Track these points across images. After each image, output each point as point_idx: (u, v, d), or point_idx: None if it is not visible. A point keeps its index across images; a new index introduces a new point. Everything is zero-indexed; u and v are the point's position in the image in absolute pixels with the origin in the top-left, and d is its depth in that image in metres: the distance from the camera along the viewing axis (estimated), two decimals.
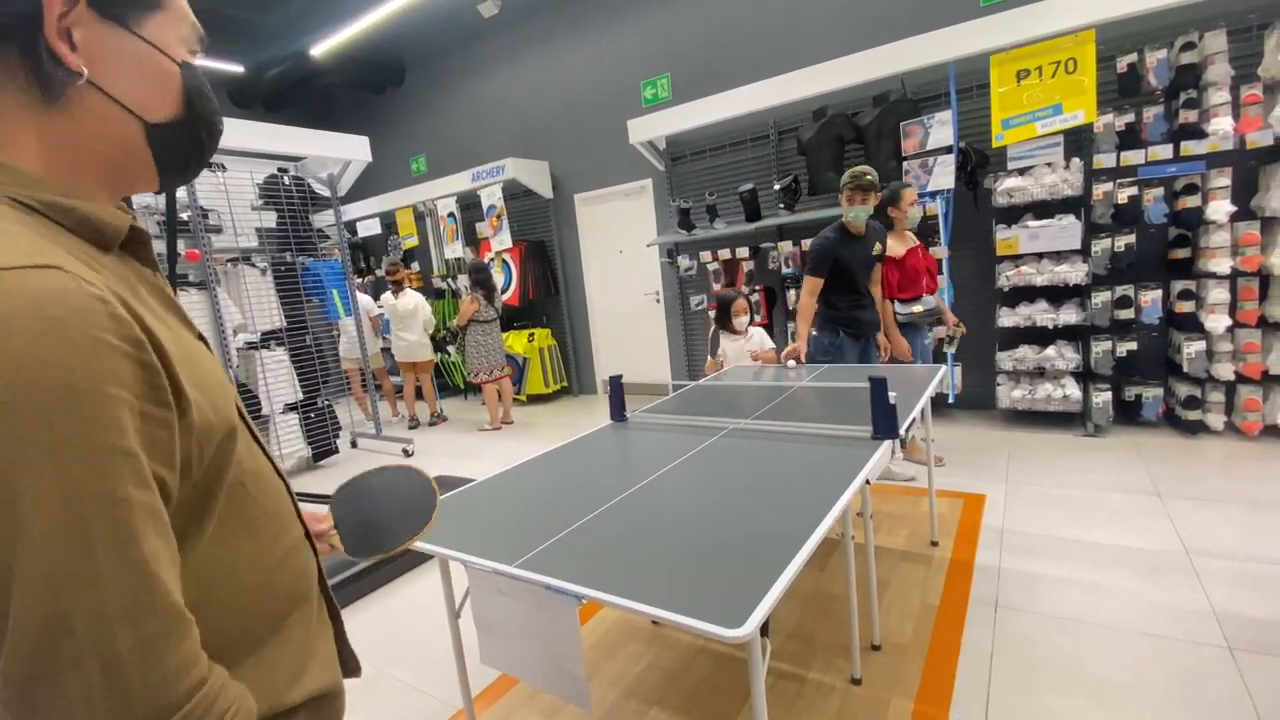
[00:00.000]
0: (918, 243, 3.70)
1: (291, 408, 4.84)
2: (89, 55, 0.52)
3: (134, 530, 0.44)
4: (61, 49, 0.51)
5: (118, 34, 0.54)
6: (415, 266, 7.89)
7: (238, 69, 7.49)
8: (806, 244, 4.82)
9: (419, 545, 1.46)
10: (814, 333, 3.43)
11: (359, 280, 6.56)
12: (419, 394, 6.32)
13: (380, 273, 5.91)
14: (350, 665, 0.76)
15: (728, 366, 3.47)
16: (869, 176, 3.17)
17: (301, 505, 0.72)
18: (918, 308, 3.62)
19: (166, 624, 0.46)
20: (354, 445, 5.68)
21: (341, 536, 0.87)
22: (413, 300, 5.88)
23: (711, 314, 5.56)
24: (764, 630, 1.14)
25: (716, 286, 5.50)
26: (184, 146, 0.61)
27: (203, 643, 0.50)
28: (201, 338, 0.64)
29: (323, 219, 7.03)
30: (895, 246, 3.55)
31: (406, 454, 5.21)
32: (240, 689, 0.53)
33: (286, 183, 4.95)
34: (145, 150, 0.58)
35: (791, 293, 5.01)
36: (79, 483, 0.42)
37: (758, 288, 5.19)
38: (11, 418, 0.41)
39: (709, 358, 3.61)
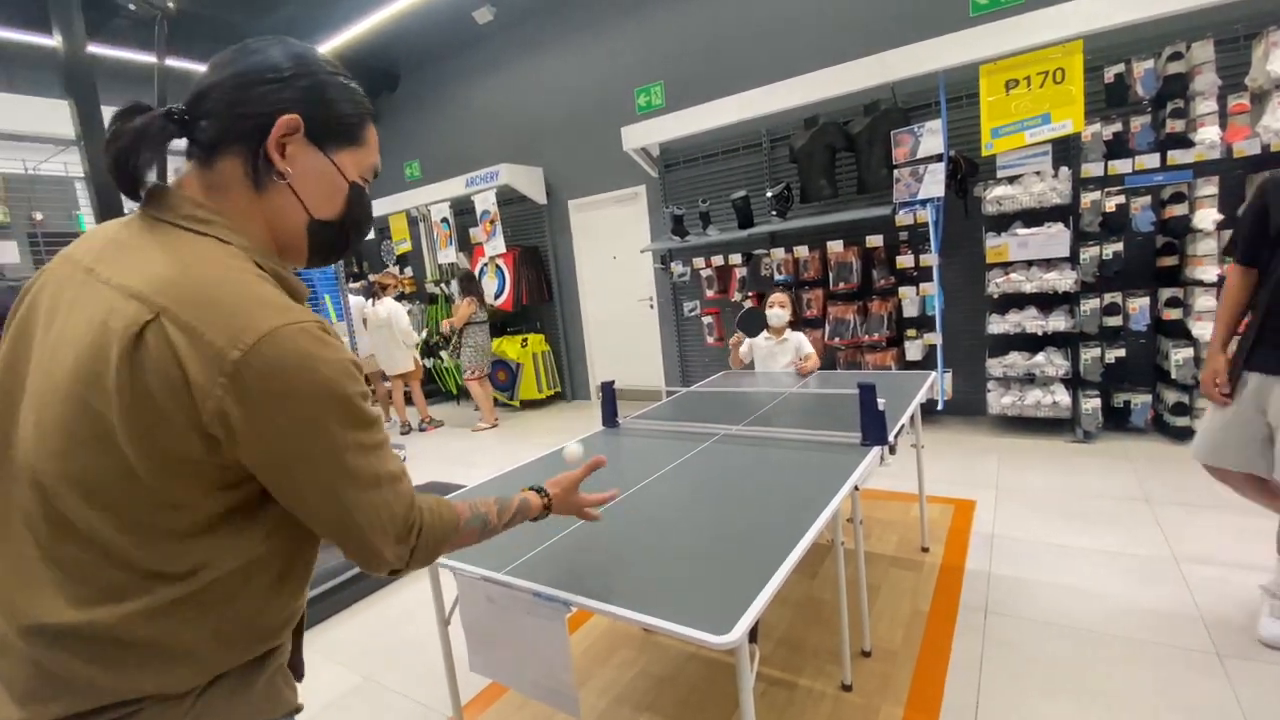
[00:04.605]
0: None
1: None
2: (291, 163, 0.75)
3: (378, 458, 0.73)
4: (275, 157, 0.73)
5: (316, 155, 0.77)
6: (409, 271, 7.88)
7: None
8: (799, 251, 4.84)
9: None
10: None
11: (353, 285, 6.54)
12: (408, 399, 6.31)
13: (373, 278, 5.95)
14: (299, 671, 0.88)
15: (751, 362, 3.35)
16: None
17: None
18: None
19: (399, 490, 0.75)
20: None
21: None
22: (385, 309, 5.76)
23: (707, 319, 5.59)
24: (753, 636, 1.14)
25: (710, 293, 5.51)
26: (332, 239, 0.82)
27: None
28: None
29: None
30: None
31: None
32: (429, 500, 0.82)
33: None
34: (304, 237, 0.79)
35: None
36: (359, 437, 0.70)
37: (750, 294, 5.21)
38: (330, 408, 0.67)
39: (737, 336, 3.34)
